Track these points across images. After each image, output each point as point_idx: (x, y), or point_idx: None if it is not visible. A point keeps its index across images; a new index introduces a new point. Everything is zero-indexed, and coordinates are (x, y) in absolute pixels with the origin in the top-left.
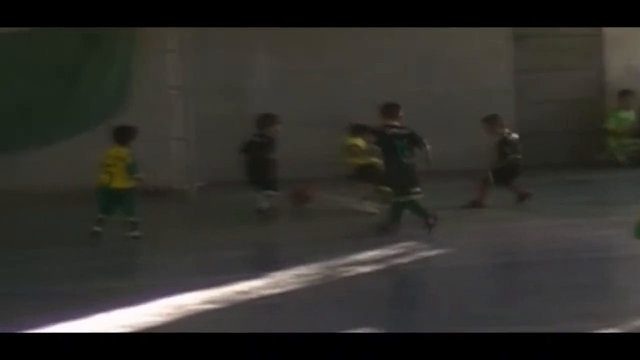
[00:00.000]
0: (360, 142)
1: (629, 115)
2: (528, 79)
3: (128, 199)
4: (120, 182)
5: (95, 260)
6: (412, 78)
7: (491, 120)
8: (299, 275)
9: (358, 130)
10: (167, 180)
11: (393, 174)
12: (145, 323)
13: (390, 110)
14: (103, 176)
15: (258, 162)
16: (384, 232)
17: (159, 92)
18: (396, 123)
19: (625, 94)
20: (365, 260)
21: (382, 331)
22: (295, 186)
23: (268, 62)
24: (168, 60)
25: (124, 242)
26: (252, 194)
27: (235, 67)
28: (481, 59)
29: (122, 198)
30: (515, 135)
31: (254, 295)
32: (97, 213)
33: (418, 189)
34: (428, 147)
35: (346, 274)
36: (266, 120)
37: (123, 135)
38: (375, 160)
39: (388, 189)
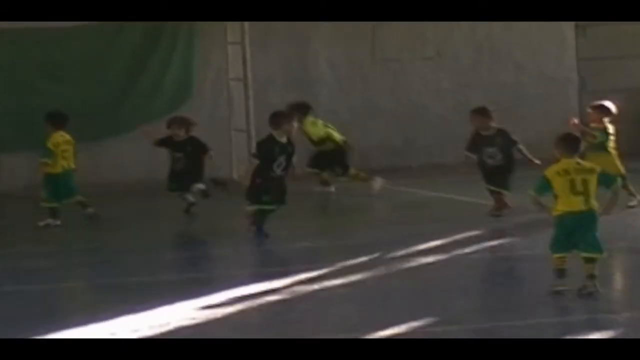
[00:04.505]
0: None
1: None
2: (591, 69)
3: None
4: (73, 163)
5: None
6: (484, 69)
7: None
8: (361, 265)
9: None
10: (228, 171)
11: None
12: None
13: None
14: (62, 161)
15: None
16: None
17: (221, 84)
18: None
19: None
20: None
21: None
22: None
23: (327, 54)
24: (230, 53)
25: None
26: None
27: (296, 59)
28: (547, 49)
29: (72, 178)
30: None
31: (316, 286)
32: (67, 199)
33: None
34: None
35: (407, 265)
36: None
37: (60, 119)
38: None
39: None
